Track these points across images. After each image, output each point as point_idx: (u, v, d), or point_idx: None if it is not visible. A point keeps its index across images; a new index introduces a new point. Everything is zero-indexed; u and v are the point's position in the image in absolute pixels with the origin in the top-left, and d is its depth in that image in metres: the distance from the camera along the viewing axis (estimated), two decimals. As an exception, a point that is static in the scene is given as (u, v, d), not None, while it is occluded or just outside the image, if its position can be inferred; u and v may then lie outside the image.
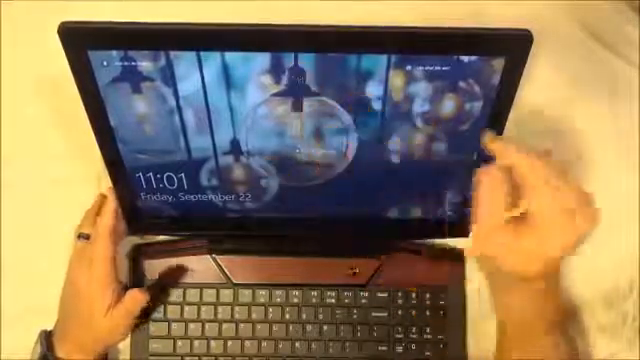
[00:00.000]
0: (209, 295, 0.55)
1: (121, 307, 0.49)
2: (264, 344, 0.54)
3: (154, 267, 0.55)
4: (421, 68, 0.40)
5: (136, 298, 0.50)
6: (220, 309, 0.55)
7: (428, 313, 0.55)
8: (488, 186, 0.41)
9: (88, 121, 0.44)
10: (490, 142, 0.42)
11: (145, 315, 0.54)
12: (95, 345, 0.50)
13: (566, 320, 0.51)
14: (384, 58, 0.40)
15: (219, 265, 0.55)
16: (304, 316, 0.55)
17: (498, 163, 0.41)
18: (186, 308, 0.55)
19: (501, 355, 0.49)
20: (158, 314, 0.54)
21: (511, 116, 0.44)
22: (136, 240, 0.56)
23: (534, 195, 0.39)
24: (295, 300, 0.55)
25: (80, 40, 0.39)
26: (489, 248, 0.41)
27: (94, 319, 0.49)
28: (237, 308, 0.55)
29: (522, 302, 0.45)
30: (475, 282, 0.56)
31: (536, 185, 0.39)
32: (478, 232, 0.42)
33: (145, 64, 0.40)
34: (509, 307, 0.47)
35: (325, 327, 0.55)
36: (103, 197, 0.51)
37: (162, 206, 0.51)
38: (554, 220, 0.39)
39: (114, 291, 0.49)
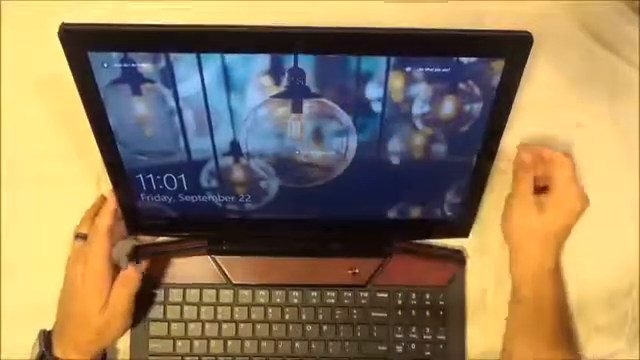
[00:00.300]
0: (209, 295, 0.55)
1: (117, 287, 0.49)
2: (264, 344, 0.54)
3: (154, 267, 0.55)
4: (421, 70, 0.40)
5: (129, 276, 0.50)
6: (220, 309, 0.55)
7: (428, 313, 0.55)
8: (523, 167, 0.52)
9: (88, 122, 0.44)
10: (524, 147, 0.53)
11: (143, 314, 0.54)
12: (91, 344, 0.50)
13: (571, 317, 0.54)
14: (384, 60, 0.40)
15: (219, 265, 0.55)
16: (304, 316, 0.55)
17: (530, 154, 0.52)
18: (186, 308, 0.55)
19: (511, 324, 0.53)
20: (158, 314, 0.54)
21: (511, 116, 0.44)
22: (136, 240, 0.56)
23: (559, 168, 0.51)
24: (295, 300, 0.55)
25: (80, 42, 0.39)
26: (523, 209, 0.52)
27: (89, 317, 0.49)
28: (237, 308, 0.55)
29: (539, 264, 0.52)
30: (475, 282, 0.56)
31: (560, 162, 0.51)
32: (516, 199, 0.52)
33: (145, 66, 0.40)
34: (525, 269, 0.53)
35: (325, 327, 0.55)
36: (103, 198, 0.51)
37: (162, 207, 0.51)
38: (571, 188, 0.51)
39: (109, 289, 0.49)
